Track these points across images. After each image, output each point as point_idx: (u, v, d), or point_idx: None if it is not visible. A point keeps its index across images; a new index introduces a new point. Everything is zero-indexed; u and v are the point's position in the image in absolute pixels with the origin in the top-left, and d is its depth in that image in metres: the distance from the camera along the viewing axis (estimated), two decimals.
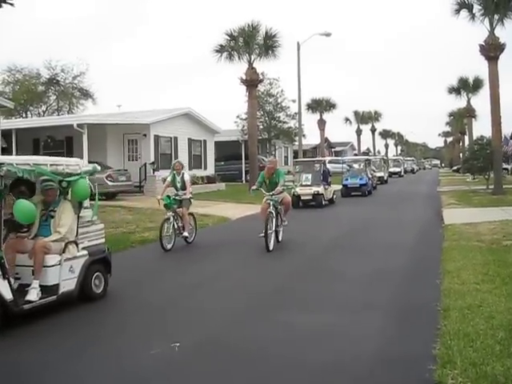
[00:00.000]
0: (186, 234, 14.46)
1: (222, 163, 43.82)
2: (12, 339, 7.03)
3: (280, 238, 14.44)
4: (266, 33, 37.73)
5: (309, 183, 26.15)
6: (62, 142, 31.09)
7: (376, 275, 10.49)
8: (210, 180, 36.44)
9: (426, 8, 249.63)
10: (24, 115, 50.11)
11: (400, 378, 5.68)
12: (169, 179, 14.96)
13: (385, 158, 67.00)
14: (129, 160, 31.98)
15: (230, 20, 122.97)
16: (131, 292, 9.70)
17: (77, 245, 8.78)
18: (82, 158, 25.84)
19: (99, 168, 9.74)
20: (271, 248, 13.25)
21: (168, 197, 14.27)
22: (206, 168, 37.95)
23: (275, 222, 13.85)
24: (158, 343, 6.72)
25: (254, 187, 14.77)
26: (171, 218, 14.04)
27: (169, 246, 13.85)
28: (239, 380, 5.74)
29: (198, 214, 21.23)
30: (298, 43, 40.28)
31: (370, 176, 36.63)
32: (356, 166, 37.75)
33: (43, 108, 53.59)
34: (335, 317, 7.75)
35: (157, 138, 32.49)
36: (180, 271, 11.59)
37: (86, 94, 54.47)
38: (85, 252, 8.89)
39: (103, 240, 9.62)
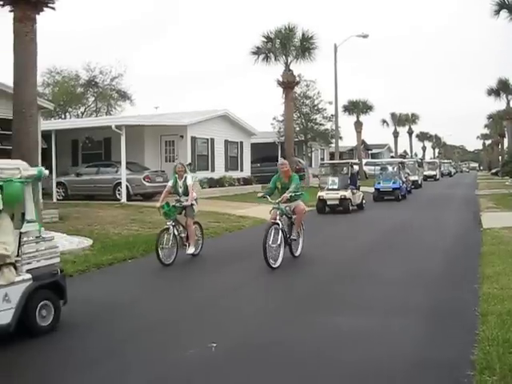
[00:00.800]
0: (190, 250, 12.94)
1: (258, 165, 43.83)
2: None
3: (297, 252, 12.83)
4: (303, 35, 37.73)
5: (335, 187, 24.75)
6: (101, 143, 31.48)
7: (413, 279, 10.42)
8: (246, 181, 36.51)
9: (465, 8, 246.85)
10: (63, 116, 50.79)
11: (437, 382, 5.64)
12: (170, 184, 13.36)
13: (419, 160, 63.16)
14: (166, 161, 32.15)
15: (265, 22, 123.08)
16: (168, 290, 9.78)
17: (15, 268, 7.09)
18: (119, 159, 26.17)
19: (47, 172, 8.05)
20: (275, 265, 11.40)
21: (167, 204, 12.63)
22: (242, 170, 38.01)
23: (284, 234, 11.93)
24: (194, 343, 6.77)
25: (260, 194, 13.29)
26: (171, 228, 12.38)
27: (169, 260, 12.16)
28: (276, 379, 5.76)
29: (235, 215, 21.47)
30: (335, 45, 40.26)
31: (404, 179, 35.30)
32: (390, 168, 35.93)
33: (82, 109, 54.25)
34: (372, 319, 7.73)
35: (194, 139, 32.64)
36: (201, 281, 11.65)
37: (123, 96, 55.01)
38: (27, 276, 7.21)
39: (57, 260, 7.86)
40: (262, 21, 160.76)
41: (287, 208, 12.34)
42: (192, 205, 13.00)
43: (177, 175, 13.13)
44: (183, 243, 12.90)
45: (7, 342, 6.87)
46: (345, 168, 27.52)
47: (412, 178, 42.08)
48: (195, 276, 11.44)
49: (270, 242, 11.27)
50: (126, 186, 26.14)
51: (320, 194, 24.61)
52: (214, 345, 6.68)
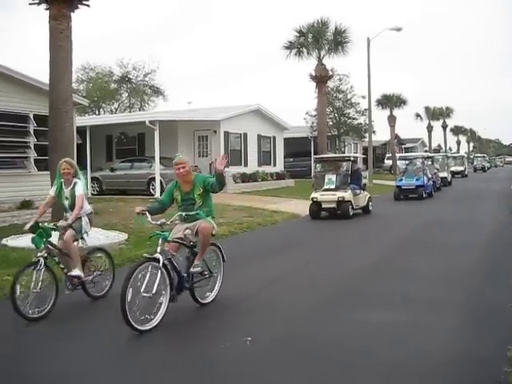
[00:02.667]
0: (75, 272, 8.38)
1: (291, 160, 43.82)
2: None
3: (209, 298, 8.62)
4: (336, 28, 37.51)
5: (332, 187, 20.96)
6: (135, 139, 31.77)
7: (451, 274, 10.35)
8: (279, 176, 36.52)
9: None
10: (97, 112, 51.34)
11: (473, 378, 5.59)
12: (52, 192, 8.96)
13: (448, 154, 57.08)
14: (199, 156, 32.35)
15: (298, 16, 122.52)
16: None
17: None
18: (153, 154, 26.42)
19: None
20: (149, 326, 7.20)
21: (37, 225, 8.16)
22: (275, 164, 38.02)
23: (169, 274, 7.58)
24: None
25: (137, 209, 8.36)
26: (41, 262, 7.84)
27: (37, 312, 7.77)
28: (311, 371, 5.77)
29: (268, 210, 21.52)
30: (368, 39, 40.03)
31: (431, 176, 32.09)
32: (419, 163, 31.80)
33: (115, 105, 54.79)
34: (409, 315, 7.68)
35: (227, 134, 32.72)
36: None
37: (156, 91, 55.39)
38: None
39: None
40: (294, 14, 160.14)
41: (187, 230, 8.33)
42: (79, 223, 8.67)
43: (62, 180, 8.84)
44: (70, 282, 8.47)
45: None
46: (344, 164, 23.28)
47: (441, 174, 39.39)
48: (231, 269, 11.47)
49: (142, 291, 7.11)
50: (160, 181, 26.33)
51: (314, 195, 20.86)
52: (249, 339, 6.71)
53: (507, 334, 6.58)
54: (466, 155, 70.34)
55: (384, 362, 5.97)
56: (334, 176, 21.52)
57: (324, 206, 20.62)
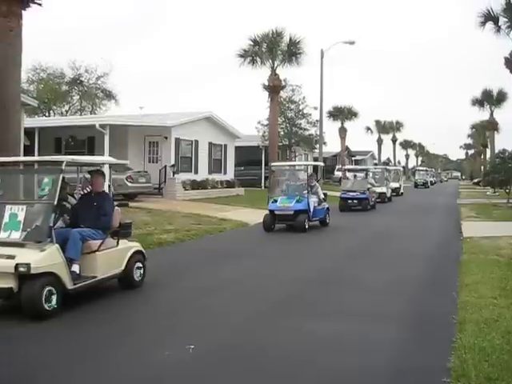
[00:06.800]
0: None
1: (242, 168, 43.85)
2: None
3: None
4: (290, 39, 37.87)
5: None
6: (84, 142, 31.28)
7: (393, 285, 10.47)
8: (229, 184, 36.50)
9: (450, 19, 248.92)
10: (47, 114, 50.51)
11: None
12: None
13: (387, 167, 49.00)
14: (149, 162, 32.10)
15: (253, 25, 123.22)
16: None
17: None
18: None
19: None
20: None
21: None
22: (225, 173, 37.99)
23: None
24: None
25: None
26: None
27: None
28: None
29: (217, 218, 21.49)
30: (322, 51, 40.32)
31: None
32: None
33: (66, 107, 53.96)
34: (349, 325, 7.74)
35: (178, 140, 32.57)
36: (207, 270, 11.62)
37: (108, 95, 54.77)
38: None
39: None
40: (249, 23, 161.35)
41: None
42: None
43: None
44: None
45: None
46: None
47: (379, 189, 35.52)
48: (170, 278, 11.36)
49: None
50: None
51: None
52: (192, 346, 6.66)
53: (447, 345, 6.67)
54: (401, 168, 61.57)
55: (323, 373, 5.99)
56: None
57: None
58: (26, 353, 6.62)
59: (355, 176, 33.23)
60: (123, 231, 10.04)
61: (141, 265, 10.15)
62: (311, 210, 19.24)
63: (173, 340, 7.10)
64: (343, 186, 30.70)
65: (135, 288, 9.88)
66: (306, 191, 19.54)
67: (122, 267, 9.67)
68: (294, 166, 25.08)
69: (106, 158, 11.78)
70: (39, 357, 6.49)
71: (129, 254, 9.90)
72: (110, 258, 9.46)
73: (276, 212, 19.06)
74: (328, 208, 20.96)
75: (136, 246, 10.38)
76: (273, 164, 23.54)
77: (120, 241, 9.84)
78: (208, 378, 5.92)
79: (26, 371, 6.08)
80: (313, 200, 19.60)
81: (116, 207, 10.21)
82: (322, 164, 27.53)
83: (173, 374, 5.98)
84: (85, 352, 6.65)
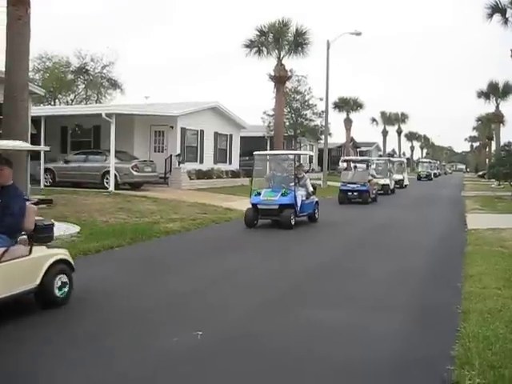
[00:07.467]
0: None
1: (247, 158, 43.83)
2: None
3: None
4: (297, 30, 37.81)
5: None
6: (90, 131, 31.35)
7: (398, 275, 10.55)
8: (234, 174, 36.55)
9: (458, 11, 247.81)
10: (53, 103, 50.55)
11: (418, 377, 5.73)
12: None
13: (391, 159, 48.42)
14: (155, 151, 32.15)
15: (259, 16, 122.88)
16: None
17: None
18: (108, 147, 26.23)
19: None
20: None
21: None
22: (231, 162, 38.05)
23: None
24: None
25: None
26: None
27: None
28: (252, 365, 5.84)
29: (222, 207, 21.56)
30: (328, 42, 40.33)
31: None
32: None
33: (71, 96, 53.99)
34: (355, 315, 7.82)
35: (183, 130, 32.63)
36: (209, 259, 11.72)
37: (114, 84, 54.80)
38: None
39: None
40: (256, 13, 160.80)
41: None
42: None
43: None
44: None
45: None
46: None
47: (382, 181, 34.85)
48: (179, 265, 11.44)
49: None
50: (115, 175, 26.12)
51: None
52: (200, 333, 6.75)
53: (452, 334, 6.74)
54: (405, 160, 59.05)
55: (328, 362, 6.07)
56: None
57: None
58: None
59: (355, 167, 32.33)
60: (39, 235, 7.80)
61: (65, 278, 7.99)
62: (298, 204, 17.55)
63: (178, 327, 7.18)
64: (343, 178, 29.72)
65: (59, 306, 7.83)
66: (292, 183, 17.84)
67: (37, 281, 7.59)
68: (280, 155, 22.29)
69: (18, 143, 9.25)
70: None
71: (47, 265, 7.75)
72: (16, 271, 7.36)
73: (259, 206, 17.43)
74: (317, 202, 19.35)
75: (59, 253, 8.17)
76: (256, 153, 21.00)
77: (36, 248, 7.70)
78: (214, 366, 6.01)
79: None
80: (300, 193, 17.93)
81: (31, 205, 7.96)
82: (311, 153, 26.08)
83: (176, 363, 6.07)
84: None
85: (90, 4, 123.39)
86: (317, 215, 19.12)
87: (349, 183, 28.16)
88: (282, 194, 17.40)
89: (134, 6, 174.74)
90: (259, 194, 17.73)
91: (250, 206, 17.67)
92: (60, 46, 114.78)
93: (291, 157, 19.54)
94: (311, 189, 19.03)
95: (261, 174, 20.42)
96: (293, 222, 17.11)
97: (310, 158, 25.02)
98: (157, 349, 6.30)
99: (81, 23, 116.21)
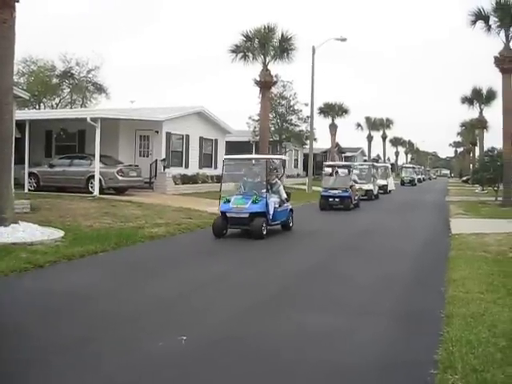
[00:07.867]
0: None
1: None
2: None
3: None
4: (282, 35, 37.88)
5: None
6: (75, 135, 31.24)
7: (382, 281, 10.60)
8: (219, 179, 36.45)
9: (441, 18, 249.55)
10: (37, 107, 50.36)
11: (402, 381, 5.78)
12: None
13: (375, 164, 45.85)
14: (140, 156, 32.13)
15: (245, 21, 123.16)
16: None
17: None
18: (93, 151, 26.17)
19: None
20: None
21: None
22: (216, 167, 38.00)
23: None
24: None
25: None
26: None
27: None
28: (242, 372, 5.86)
29: (207, 212, 21.55)
30: (313, 47, 40.52)
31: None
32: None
33: (56, 100, 53.86)
34: (339, 319, 7.85)
35: (169, 135, 32.64)
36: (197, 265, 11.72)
37: (99, 89, 54.75)
38: None
39: None
40: (241, 19, 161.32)
41: None
42: None
43: None
44: None
45: None
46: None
47: (365, 187, 34.84)
48: (164, 270, 11.43)
49: None
50: (99, 180, 26.04)
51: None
52: (185, 338, 6.75)
53: (435, 339, 6.78)
54: (389, 165, 56.39)
55: (312, 366, 6.09)
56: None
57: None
58: None
59: (337, 172, 31.40)
60: None
61: None
62: (271, 212, 16.51)
63: (163, 332, 7.18)
64: (324, 184, 28.69)
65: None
66: (264, 190, 16.73)
67: None
68: (251, 159, 21.06)
69: None
70: None
71: None
72: None
73: (228, 214, 16.39)
74: (291, 209, 18.32)
75: None
76: (226, 157, 20.05)
77: None
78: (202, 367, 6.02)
79: None
80: (273, 200, 16.89)
81: None
82: (284, 158, 25.20)
83: (164, 365, 6.08)
84: None
85: (74, 5, 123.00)
86: (291, 223, 18.08)
87: (330, 189, 27.53)
88: (253, 202, 16.33)
89: (120, 8, 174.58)
90: (228, 201, 16.63)
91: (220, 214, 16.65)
92: (44, 47, 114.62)
93: (262, 161, 18.14)
94: (285, 195, 17.94)
95: (232, 179, 19.07)
96: (264, 232, 15.97)
97: (283, 162, 23.51)
98: (142, 353, 6.30)
99: (65, 24, 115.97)
